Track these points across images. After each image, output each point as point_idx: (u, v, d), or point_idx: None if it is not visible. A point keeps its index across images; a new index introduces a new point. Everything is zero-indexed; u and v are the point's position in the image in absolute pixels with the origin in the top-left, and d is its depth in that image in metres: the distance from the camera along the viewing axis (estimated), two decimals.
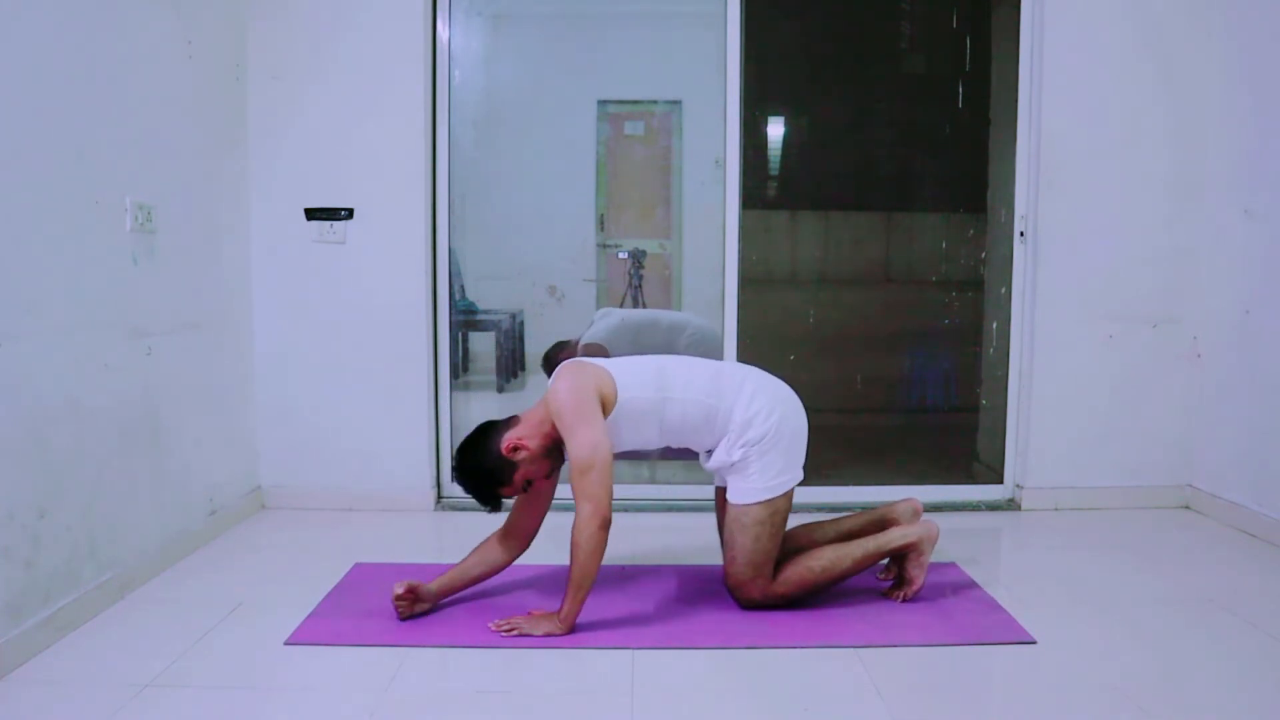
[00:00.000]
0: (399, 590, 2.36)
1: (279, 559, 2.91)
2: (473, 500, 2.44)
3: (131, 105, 2.60)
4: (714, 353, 3.48)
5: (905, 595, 2.50)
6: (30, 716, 1.91)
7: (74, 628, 2.30)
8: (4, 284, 2.10)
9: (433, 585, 2.42)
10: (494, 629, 2.30)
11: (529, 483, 2.38)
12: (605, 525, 2.24)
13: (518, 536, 2.48)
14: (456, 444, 3.48)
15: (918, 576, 2.50)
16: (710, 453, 2.50)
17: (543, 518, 2.49)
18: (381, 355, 3.39)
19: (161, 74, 2.77)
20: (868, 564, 2.49)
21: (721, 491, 2.53)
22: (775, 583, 2.42)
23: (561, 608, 2.28)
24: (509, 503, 2.47)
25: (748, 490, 2.41)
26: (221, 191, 3.16)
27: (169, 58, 2.82)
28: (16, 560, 2.13)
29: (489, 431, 2.39)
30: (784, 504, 2.44)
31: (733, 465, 2.42)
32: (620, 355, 2.74)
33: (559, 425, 2.30)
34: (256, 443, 3.41)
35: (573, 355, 3.61)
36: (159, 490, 2.75)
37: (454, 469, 2.42)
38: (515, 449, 2.33)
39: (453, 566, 2.48)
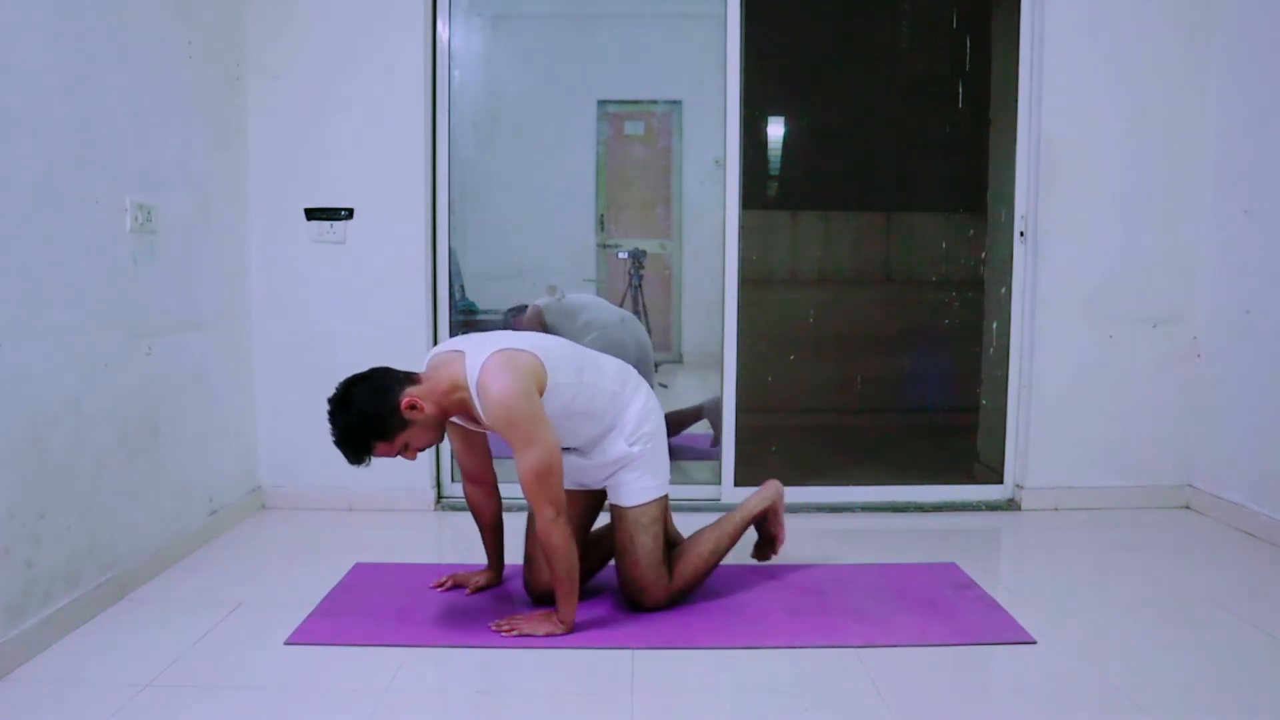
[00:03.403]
0: (446, 583, 2.58)
1: (279, 559, 2.92)
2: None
3: (131, 105, 2.60)
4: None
5: (776, 550, 2.61)
6: (30, 716, 1.91)
7: (74, 628, 2.30)
8: (4, 284, 2.10)
9: (492, 571, 2.59)
10: (494, 629, 2.30)
11: (405, 447, 2.20)
12: (569, 520, 2.25)
13: (484, 480, 2.51)
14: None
15: (780, 531, 2.63)
16: (589, 451, 2.40)
17: (490, 457, 2.48)
18: (382, 355, 3.33)
19: (161, 74, 2.77)
20: (741, 534, 2.60)
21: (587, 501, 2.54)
22: (672, 579, 2.44)
23: (560, 611, 2.28)
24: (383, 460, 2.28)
25: (644, 489, 2.39)
26: (221, 191, 3.16)
27: (169, 58, 2.82)
28: (16, 560, 2.13)
29: (390, 380, 2.21)
30: (666, 502, 2.50)
31: (629, 461, 2.38)
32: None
33: (507, 432, 2.18)
34: (256, 443, 3.41)
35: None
36: (159, 490, 2.75)
37: (337, 404, 2.16)
38: (413, 407, 2.16)
39: (485, 542, 2.59)
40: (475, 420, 2.29)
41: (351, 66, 3.30)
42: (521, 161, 3.87)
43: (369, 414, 2.14)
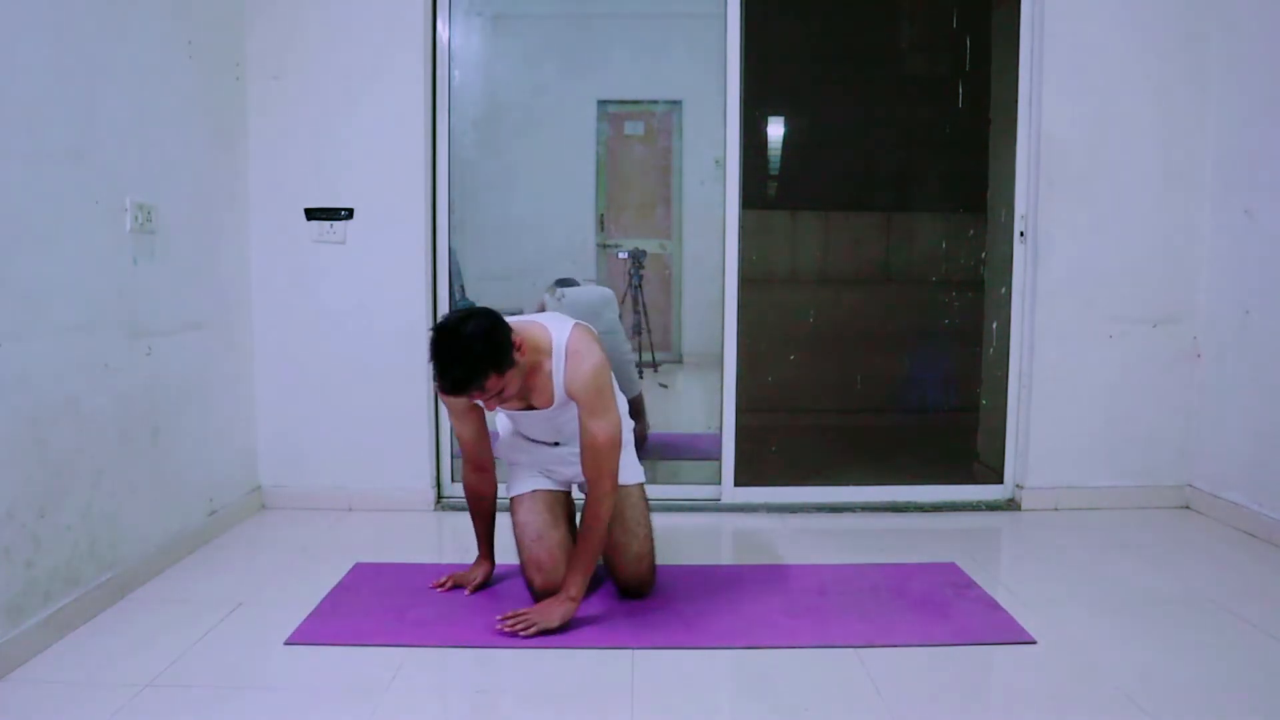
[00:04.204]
0: (446, 583, 2.57)
1: (279, 559, 2.91)
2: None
3: (131, 105, 2.60)
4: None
5: None
6: (30, 716, 1.91)
7: (74, 628, 2.30)
8: (4, 284, 2.10)
9: (487, 561, 2.60)
10: (506, 630, 2.27)
11: (500, 392, 2.17)
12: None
13: (488, 466, 2.54)
14: (457, 444, 3.51)
15: None
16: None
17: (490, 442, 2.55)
18: (381, 355, 3.39)
19: (161, 74, 2.77)
20: None
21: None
22: None
23: (571, 584, 2.29)
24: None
25: (637, 470, 2.54)
26: (221, 191, 3.16)
27: (169, 58, 2.82)
28: (16, 560, 2.14)
29: (500, 320, 2.19)
30: None
31: (626, 444, 2.49)
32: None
33: (591, 400, 2.25)
34: (256, 443, 3.41)
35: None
36: (159, 490, 2.75)
37: (454, 329, 2.12)
38: (519, 349, 2.18)
39: (480, 530, 2.59)
40: (524, 394, 2.31)
41: (352, 66, 3.30)
42: (521, 161, 3.87)
43: (492, 343, 2.13)
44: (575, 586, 2.29)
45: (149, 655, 2.16)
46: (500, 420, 2.65)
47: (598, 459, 2.26)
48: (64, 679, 2.06)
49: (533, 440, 2.55)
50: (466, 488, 2.57)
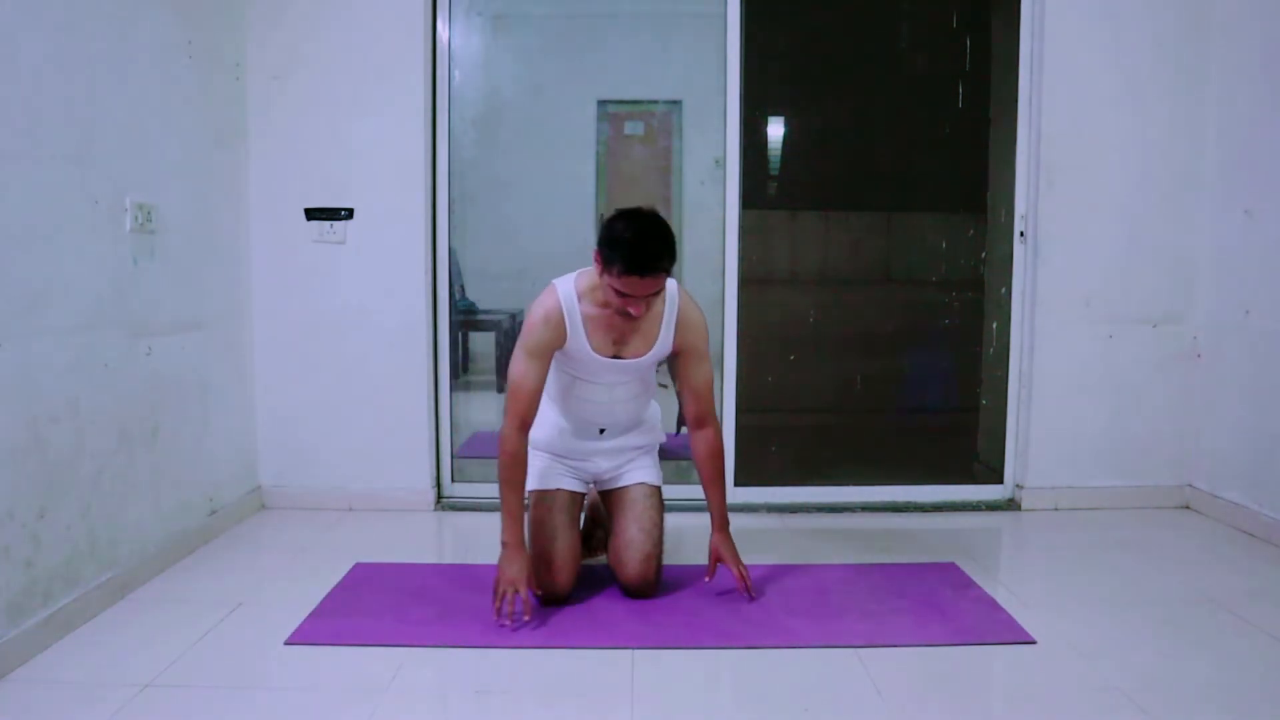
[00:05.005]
0: (509, 605, 2.30)
1: (279, 559, 2.92)
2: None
3: (131, 105, 2.60)
4: None
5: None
6: (30, 716, 1.91)
7: (74, 628, 2.30)
8: (4, 284, 2.10)
9: (522, 546, 2.34)
10: (751, 593, 2.46)
11: (654, 295, 2.24)
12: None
13: (530, 427, 2.41)
14: (457, 444, 3.53)
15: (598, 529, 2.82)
16: (630, 427, 2.60)
17: None
18: (381, 355, 3.39)
19: (161, 74, 2.77)
20: None
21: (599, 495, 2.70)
22: None
23: (725, 514, 2.49)
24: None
25: (657, 472, 2.62)
26: (221, 191, 3.16)
27: (169, 58, 2.82)
28: (16, 560, 2.13)
29: None
30: None
31: (655, 444, 2.61)
32: None
33: (700, 346, 2.43)
34: (256, 443, 3.41)
35: None
36: (159, 490, 2.75)
37: (645, 213, 2.26)
38: None
39: (515, 505, 2.33)
40: (622, 337, 2.38)
41: (352, 66, 3.30)
42: (521, 161, 3.86)
43: (673, 234, 2.26)
44: (727, 513, 2.50)
45: (149, 655, 2.16)
46: (544, 414, 2.51)
47: (707, 403, 2.46)
48: (64, 679, 2.06)
49: (578, 432, 2.55)
50: (509, 453, 2.31)
